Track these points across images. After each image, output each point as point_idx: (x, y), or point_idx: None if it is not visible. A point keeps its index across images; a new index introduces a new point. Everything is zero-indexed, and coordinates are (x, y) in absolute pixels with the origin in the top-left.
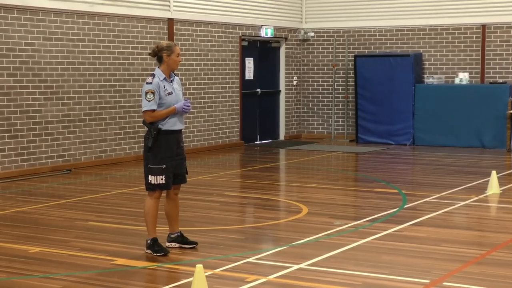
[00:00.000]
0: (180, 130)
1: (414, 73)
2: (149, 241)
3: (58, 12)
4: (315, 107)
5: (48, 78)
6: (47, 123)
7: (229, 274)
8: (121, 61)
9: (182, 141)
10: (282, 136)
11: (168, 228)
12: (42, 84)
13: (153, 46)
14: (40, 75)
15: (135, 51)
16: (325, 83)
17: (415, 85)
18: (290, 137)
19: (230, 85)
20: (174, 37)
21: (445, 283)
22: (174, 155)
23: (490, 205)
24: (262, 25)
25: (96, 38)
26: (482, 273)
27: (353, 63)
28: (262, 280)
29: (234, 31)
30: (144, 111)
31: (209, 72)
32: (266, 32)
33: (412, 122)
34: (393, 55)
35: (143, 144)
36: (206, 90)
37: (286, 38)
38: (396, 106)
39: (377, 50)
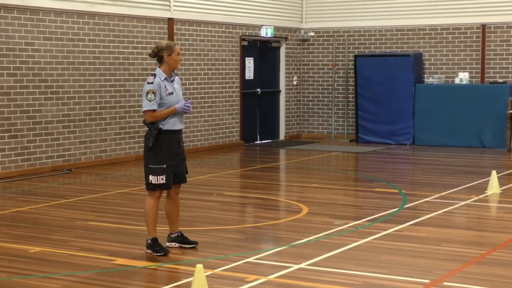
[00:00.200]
0: (181, 130)
1: (414, 73)
2: (149, 241)
3: (58, 12)
4: (315, 107)
5: (48, 78)
6: (47, 123)
7: (229, 274)
8: (121, 61)
9: (182, 141)
10: (282, 136)
11: (168, 228)
12: (42, 84)
13: (153, 46)
14: (40, 75)
15: (135, 51)
16: (325, 83)
17: (415, 85)
18: (290, 137)
19: (230, 85)
20: (174, 37)
21: (445, 283)
22: (174, 155)
23: (490, 205)
24: (262, 25)
25: (96, 38)
26: (482, 273)
27: (353, 63)
28: (262, 280)
29: (234, 31)
30: (145, 111)
31: (209, 72)
32: (266, 32)
33: (412, 122)
34: (393, 55)
35: (143, 144)
36: (206, 90)
37: (286, 38)
38: (396, 106)
39: (377, 50)
